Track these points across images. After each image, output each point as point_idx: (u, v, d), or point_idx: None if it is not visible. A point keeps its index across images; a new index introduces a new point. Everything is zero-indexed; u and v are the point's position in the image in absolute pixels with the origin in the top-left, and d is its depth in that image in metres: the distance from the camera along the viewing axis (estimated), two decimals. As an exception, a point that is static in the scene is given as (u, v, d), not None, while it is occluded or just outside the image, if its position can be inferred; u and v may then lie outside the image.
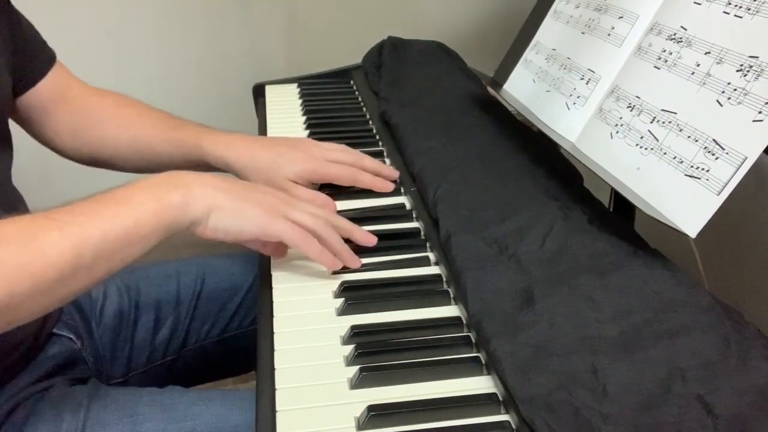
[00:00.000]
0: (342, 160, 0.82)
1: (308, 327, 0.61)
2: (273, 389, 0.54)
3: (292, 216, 0.65)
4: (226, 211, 0.62)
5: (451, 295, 0.64)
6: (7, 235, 0.53)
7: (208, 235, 0.62)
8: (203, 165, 0.83)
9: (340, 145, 0.85)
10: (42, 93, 0.83)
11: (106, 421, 0.69)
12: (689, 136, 0.62)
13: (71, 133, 0.86)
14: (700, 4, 0.67)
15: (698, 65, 0.64)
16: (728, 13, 0.63)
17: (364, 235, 0.70)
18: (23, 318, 0.54)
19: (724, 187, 0.57)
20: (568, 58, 0.84)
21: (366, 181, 0.81)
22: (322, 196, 0.78)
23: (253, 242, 0.67)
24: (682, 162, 0.62)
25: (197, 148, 0.81)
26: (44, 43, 0.84)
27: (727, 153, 0.58)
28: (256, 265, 0.93)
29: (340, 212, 0.78)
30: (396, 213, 0.79)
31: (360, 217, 0.77)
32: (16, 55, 0.78)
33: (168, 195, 0.59)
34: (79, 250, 0.54)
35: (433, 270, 0.69)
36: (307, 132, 1.01)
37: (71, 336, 0.78)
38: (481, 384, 0.54)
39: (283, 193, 0.69)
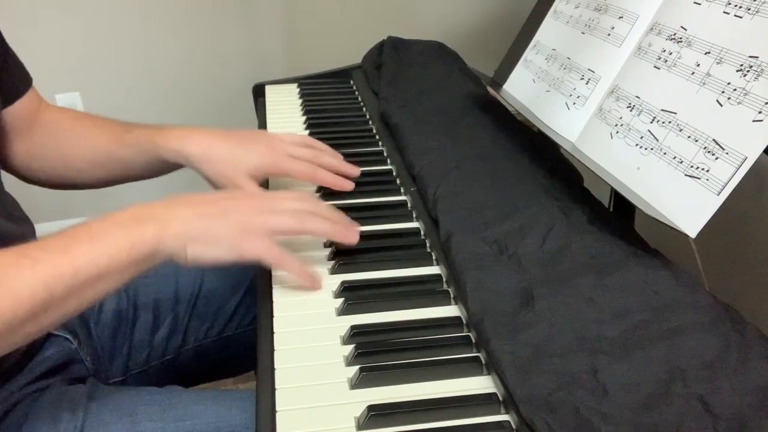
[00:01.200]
0: (302, 156, 0.79)
1: (308, 327, 0.61)
2: (273, 389, 0.54)
3: (271, 225, 0.63)
4: (201, 242, 0.61)
5: (451, 295, 0.64)
6: None
7: (190, 265, 0.61)
8: (160, 163, 0.81)
9: (302, 137, 0.83)
10: (16, 114, 0.81)
11: (104, 421, 0.69)
12: (689, 136, 0.62)
13: (31, 155, 0.84)
14: (700, 4, 0.67)
15: (698, 65, 0.64)
16: (728, 13, 0.63)
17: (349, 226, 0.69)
18: None
19: (724, 187, 0.57)
20: (568, 58, 0.84)
21: (325, 179, 0.79)
22: (295, 195, 0.75)
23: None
24: (682, 162, 0.62)
25: (152, 145, 0.79)
26: (23, 66, 0.83)
27: (727, 153, 0.58)
28: (255, 265, 0.94)
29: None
30: (396, 213, 0.79)
31: (360, 217, 0.77)
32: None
33: (141, 231, 0.59)
34: (51, 288, 0.54)
35: (433, 270, 0.69)
36: (307, 132, 1.01)
37: (68, 336, 0.78)
38: (481, 384, 0.54)
39: (261, 196, 0.67)
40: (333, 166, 0.81)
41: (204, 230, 0.61)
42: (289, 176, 0.79)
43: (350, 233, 0.67)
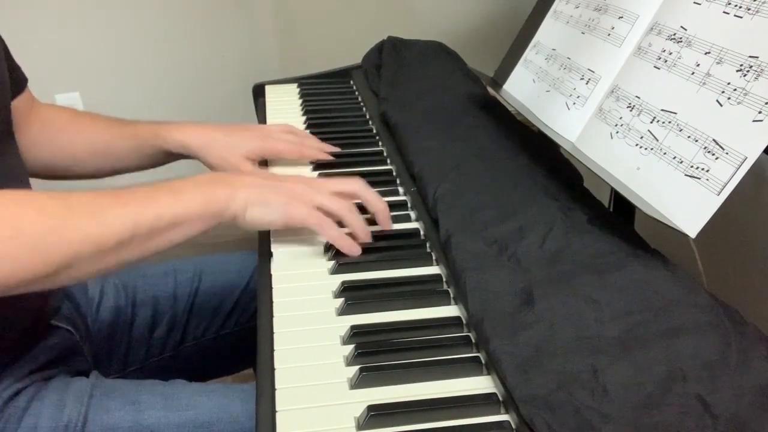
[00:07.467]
0: (288, 139, 0.90)
1: (308, 327, 0.61)
2: (273, 389, 0.54)
3: (317, 200, 0.71)
4: (259, 206, 0.69)
5: (451, 295, 0.64)
6: (78, 207, 0.61)
7: (248, 226, 0.69)
8: (159, 154, 0.89)
9: (286, 125, 0.94)
10: (13, 112, 0.83)
11: (108, 408, 0.70)
12: (689, 136, 0.62)
13: (27, 146, 0.87)
14: (700, 4, 0.67)
15: (698, 65, 0.64)
16: (728, 13, 0.63)
17: (367, 234, 0.73)
18: (79, 278, 0.63)
19: (724, 187, 0.57)
20: (568, 58, 0.84)
21: (309, 153, 0.90)
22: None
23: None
24: (682, 162, 0.62)
25: (154, 137, 0.88)
26: (19, 67, 0.86)
27: (727, 153, 0.58)
28: (253, 264, 0.94)
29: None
30: (396, 213, 0.79)
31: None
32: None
33: (215, 192, 0.67)
34: (137, 225, 0.62)
35: (433, 270, 0.69)
36: (307, 132, 1.00)
37: (69, 328, 0.79)
38: (480, 384, 0.54)
39: (309, 183, 0.74)
40: (315, 146, 0.92)
41: (262, 196, 0.69)
42: (280, 155, 0.90)
43: (354, 248, 0.71)
